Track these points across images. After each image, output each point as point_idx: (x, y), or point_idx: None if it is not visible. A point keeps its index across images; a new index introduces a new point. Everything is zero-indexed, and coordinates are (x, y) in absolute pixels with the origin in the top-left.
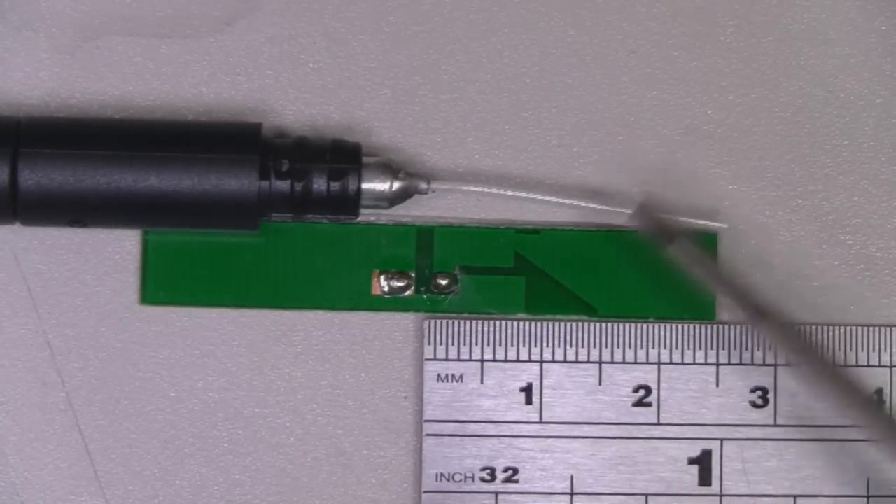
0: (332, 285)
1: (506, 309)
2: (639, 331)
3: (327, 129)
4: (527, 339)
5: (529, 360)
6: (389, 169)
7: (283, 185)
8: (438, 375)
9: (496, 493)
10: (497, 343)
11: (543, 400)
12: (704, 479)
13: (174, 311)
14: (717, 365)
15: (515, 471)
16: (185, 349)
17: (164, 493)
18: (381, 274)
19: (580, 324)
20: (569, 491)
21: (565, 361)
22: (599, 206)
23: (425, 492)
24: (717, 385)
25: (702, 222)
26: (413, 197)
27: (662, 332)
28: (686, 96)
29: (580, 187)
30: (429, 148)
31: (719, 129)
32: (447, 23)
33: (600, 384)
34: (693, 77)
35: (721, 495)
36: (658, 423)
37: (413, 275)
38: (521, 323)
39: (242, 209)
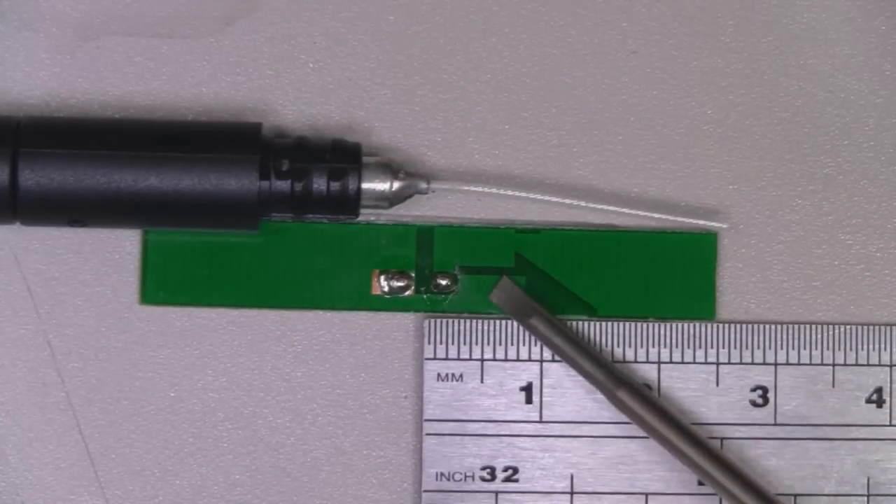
0: (332, 285)
1: None
2: (639, 330)
3: (327, 129)
4: (527, 339)
5: (529, 360)
6: (389, 169)
7: (283, 185)
8: (438, 375)
9: (496, 493)
10: (497, 342)
11: (543, 399)
12: None
13: (174, 311)
14: (718, 364)
15: (515, 470)
16: (185, 349)
17: (164, 493)
18: (381, 274)
19: (580, 323)
20: (569, 490)
21: None
22: (601, 207)
23: (425, 491)
24: (717, 384)
25: (702, 222)
26: (413, 197)
27: (662, 332)
28: (686, 96)
29: (581, 188)
30: (429, 148)
31: (719, 129)
32: (447, 23)
33: None
34: (693, 77)
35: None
36: None
37: (413, 275)
38: None
39: (242, 209)
